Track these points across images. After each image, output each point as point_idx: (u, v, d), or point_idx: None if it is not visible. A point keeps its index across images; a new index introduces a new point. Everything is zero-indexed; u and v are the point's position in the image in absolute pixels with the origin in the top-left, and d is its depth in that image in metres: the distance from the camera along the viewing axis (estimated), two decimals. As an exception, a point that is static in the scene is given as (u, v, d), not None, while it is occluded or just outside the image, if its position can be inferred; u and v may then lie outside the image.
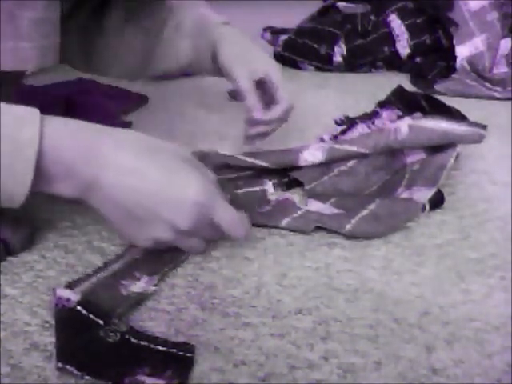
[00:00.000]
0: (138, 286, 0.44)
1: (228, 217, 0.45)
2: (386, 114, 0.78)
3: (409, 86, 0.99)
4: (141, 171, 0.43)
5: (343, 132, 0.74)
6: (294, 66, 1.20)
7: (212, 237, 0.48)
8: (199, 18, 0.69)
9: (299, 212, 0.55)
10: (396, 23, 1.16)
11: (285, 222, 0.54)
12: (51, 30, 0.47)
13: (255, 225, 0.54)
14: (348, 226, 0.52)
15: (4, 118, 0.39)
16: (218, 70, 0.67)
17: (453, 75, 1.04)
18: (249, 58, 0.67)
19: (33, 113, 0.40)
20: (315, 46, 1.18)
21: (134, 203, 0.43)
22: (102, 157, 0.42)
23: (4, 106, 0.40)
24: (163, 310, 0.43)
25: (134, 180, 0.43)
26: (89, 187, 0.42)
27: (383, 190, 0.60)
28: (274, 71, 0.68)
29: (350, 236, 0.52)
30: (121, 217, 0.44)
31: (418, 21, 1.16)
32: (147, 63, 0.72)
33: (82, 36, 0.72)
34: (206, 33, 0.67)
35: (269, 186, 0.61)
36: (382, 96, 0.83)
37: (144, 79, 0.75)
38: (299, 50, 1.19)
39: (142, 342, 0.38)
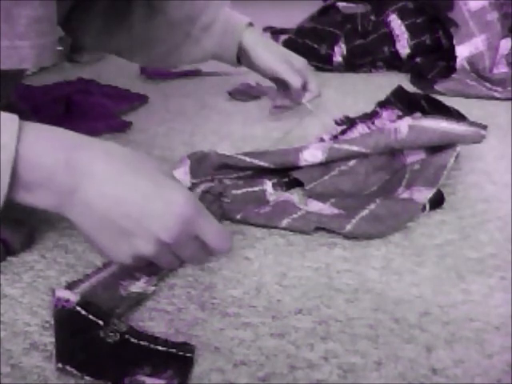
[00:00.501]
0: (138, 286, 0.44)
1: (212, 230, 0.44)
2: (385, 114, 0.78)
3: (409, 86, 0.99)
4: (126, 182, 0.41)
5: (343, 132, 0.74)
6: (294, 66, 1.20)
7: (193, 253, 0.45)
8: (227, 20, 0.77)
9: (299, 212, 0.55)
10: (396, 23, 1.16)
11: (285, 222, 0.53)
12: (48, 29, 0.47)
13: (255, 225, 0.55)
14: (348, 227, 0.52)
15: None
16: (246, 65, 0.80)
17: (453, 75, 1.04)
18: (284, 56, 0.80)
19: (11, 119, 0.39)
20: (315, 46, 1.18)
21: (118, 214, 0.40)
22: (84, 166, 0.40)
23: None
24: (163, 309, 0.43)
25: (120, 190, 0.41)
26: (68, 197, 0.40)
27: (383, 190, 0.60)
28: (305, 65, 0.82)
29: (350, 236, 0.52)
30: (101, 229, 0.41)
31: (418, 21, 1.16)
32: (171, 54, 0.79)
33: (106, 18, 0.75)
34: (233, 34, 0.77)
35: (268, 186, 0.61)
36: (382, 96, 0.83)
37: (163, 66, 0.86)
38: (299, 50, 1.18)
39: (142, 342, 0.38)
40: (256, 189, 0.60)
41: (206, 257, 0.46)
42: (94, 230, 0.41)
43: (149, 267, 0.47)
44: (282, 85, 0.81)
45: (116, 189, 0.41)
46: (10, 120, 0.39)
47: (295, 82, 0.78)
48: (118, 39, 0.77)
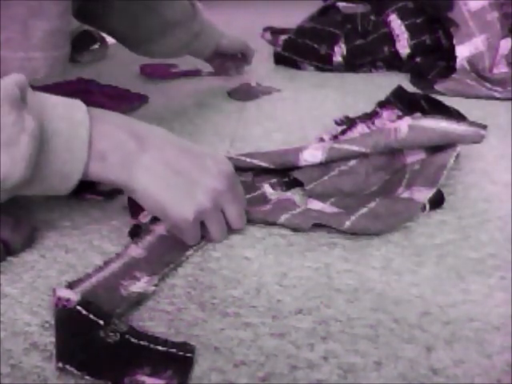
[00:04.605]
0: (138, 285, 0.44)
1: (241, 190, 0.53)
2: (385, 114, 0.78)
3: (409, 86, 0.99)
4: (182, 145, 0.49)
5: (343, 132, 0.74)
6: (294, 65, 1.20)
7: (237, 209, 0.51)
8: (209, 29, 0.93)
9: (298, 209, 0.55)
10: (396, 23, 1.16)
11: (283, 218, 0.53)
12: (62, 41, 0.48)
13: (254, 221, 0.54)
14: (347, 223, 0.51)
15: (54, 102, 0.43)
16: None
17: (453, 75, 1.04)
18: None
19: (77, 102, 0.45)
20: (315, 45, 1.18)
21: (181, 168, 0.47)
22: (145, 134, 0.47)
23: (46, 94, 0.43)
24: (163, 310, 0.43)
25: (179, 149, 0.48)
26: (136, 160, 0.45)
27: (383, 189, 0.60)
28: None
29: (349, 233, 0.52)
30: (167, 187, 0.46)
31: (418, 21, 1.16)
32: (157, 49, 0.89)
33: (122, 12, 0.80)
34: (212, 40, 0.97)
35: (267, 188, 0.61)
36: (382, 96, 0.83)
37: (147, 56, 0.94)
38: (299, 49, 1.19)
39: (142, 342, 0.38)
40: (255, 194, 0.60)
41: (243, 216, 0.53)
42: (161, 189, 0.46)
43: (150, 266, 0.47)
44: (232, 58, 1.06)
45: (175, 149, 0.48)
46: (77, 101, 0.45)
47: (251, 49, 1.07)
48: (121, 28, 0.83)
